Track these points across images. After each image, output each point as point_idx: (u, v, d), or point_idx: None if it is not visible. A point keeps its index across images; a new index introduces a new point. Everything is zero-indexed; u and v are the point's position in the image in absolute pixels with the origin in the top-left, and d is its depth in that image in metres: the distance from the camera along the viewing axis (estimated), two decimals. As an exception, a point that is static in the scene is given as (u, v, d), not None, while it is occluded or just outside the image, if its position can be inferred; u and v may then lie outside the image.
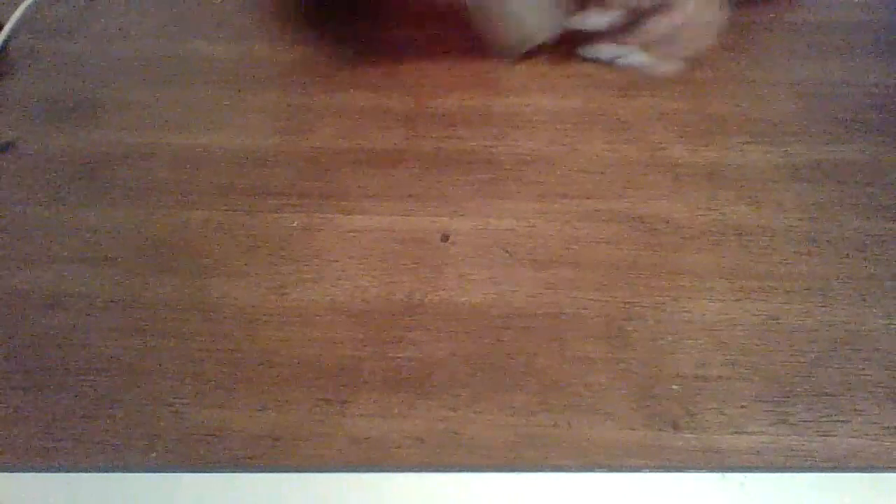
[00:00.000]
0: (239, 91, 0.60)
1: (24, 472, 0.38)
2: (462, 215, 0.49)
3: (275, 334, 0.43)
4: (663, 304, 0.43)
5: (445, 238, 0.48)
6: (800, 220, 0.48)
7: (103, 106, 0.59)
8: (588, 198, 0.50)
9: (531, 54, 0.61)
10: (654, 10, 0.48)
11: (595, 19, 0.48)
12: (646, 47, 0.48)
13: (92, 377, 0.41)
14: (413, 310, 0.44)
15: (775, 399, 0.39)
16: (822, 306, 0.43)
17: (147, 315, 0.44)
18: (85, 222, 0.50)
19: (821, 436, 0.37)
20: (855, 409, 0.38)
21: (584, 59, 0.51)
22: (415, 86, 0.60)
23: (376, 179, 0.52)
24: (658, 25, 0.49)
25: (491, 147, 0.54)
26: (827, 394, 0.39)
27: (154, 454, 0.38)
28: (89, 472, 0.37)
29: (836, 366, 0.40)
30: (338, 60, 0.63)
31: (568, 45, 0.62)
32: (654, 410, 0.39)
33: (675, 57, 0.49)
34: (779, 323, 0.42)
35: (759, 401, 0.39)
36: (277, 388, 0.40)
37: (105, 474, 0.37)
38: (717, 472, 0.36)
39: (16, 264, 0.48)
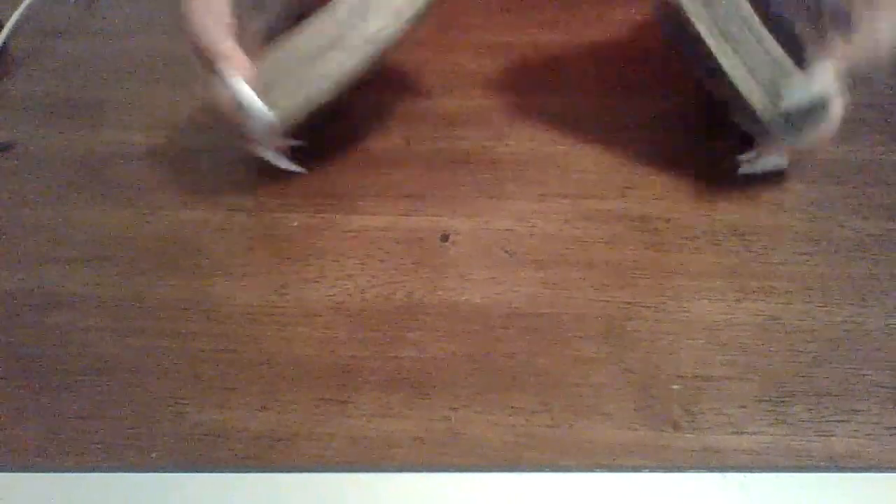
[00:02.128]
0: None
1: (24, 472, 0.38)
2: (462, 215, 0.49)
3: (275, 334, 0.43)
4: (663, 304, 0.43)
5: (445, 238, 0.48)
6: (800, 220, 0.48)
7: (103, 106, 0.59)
8: (588, 198, 0.50)
9: (532, 56, 0.62)
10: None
11: (776, 161, 0.49)
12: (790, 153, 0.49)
13: (92, 377, 0.41)
14: (413, 310, 0.44)
15: (775, 399, 0.39)
16: (822, 306, 0.43)
17: (147, 315, 0.44)
18: (85, 222, 0.50)
19: (821, 436, 0.37)
20: (855, 409, 0.38)
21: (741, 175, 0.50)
22: (415, 86, 0.60)
23: (376, 179, 0.52)
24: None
25: (491, 147, 0.54)
26: (827, 394, 0.39)
27: (154, 454, 0.38)
28: (89, 472, 0.37)
29: (836, 366, 0.40)
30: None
31: (567, 50, 0.63)
32: (654, 410, 0.39)
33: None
34: (779, 323, 0.42)
35: (759, 401, 0.39)
36: (277, 388, 0.40)
37: (105, 474, 0.37)
38: (717, 472, 0.36)
39: (16, 264, 0.48)
